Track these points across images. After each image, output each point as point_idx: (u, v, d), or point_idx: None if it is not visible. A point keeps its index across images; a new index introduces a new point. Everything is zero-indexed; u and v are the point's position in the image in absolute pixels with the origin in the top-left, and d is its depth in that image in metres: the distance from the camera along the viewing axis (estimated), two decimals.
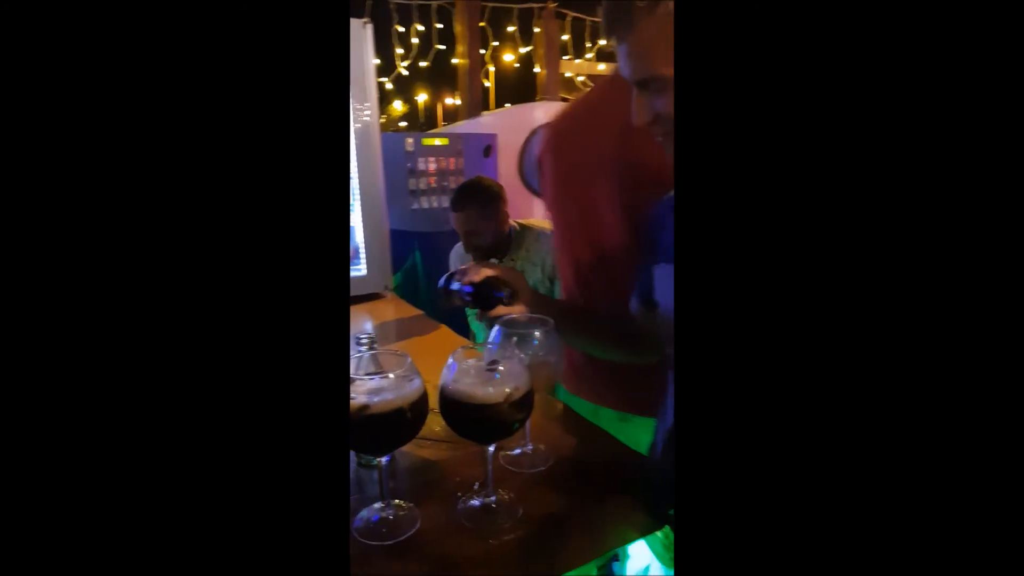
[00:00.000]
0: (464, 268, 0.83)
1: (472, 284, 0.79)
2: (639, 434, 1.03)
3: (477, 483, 0.74)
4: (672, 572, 0.78)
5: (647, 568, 0.85)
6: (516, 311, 0.80)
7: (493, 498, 0.70)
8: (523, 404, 0.64)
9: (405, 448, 0.84)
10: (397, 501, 0.71)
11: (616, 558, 1.07)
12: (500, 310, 0.81)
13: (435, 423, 0.89)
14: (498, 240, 1.75)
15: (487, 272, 0.78)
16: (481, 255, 1.75)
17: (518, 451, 0.82)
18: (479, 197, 1.76)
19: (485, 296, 0.79)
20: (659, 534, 0.79)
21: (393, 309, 1.88)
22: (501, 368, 0.65)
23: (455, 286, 0.83)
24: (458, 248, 1.90)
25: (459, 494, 0.73)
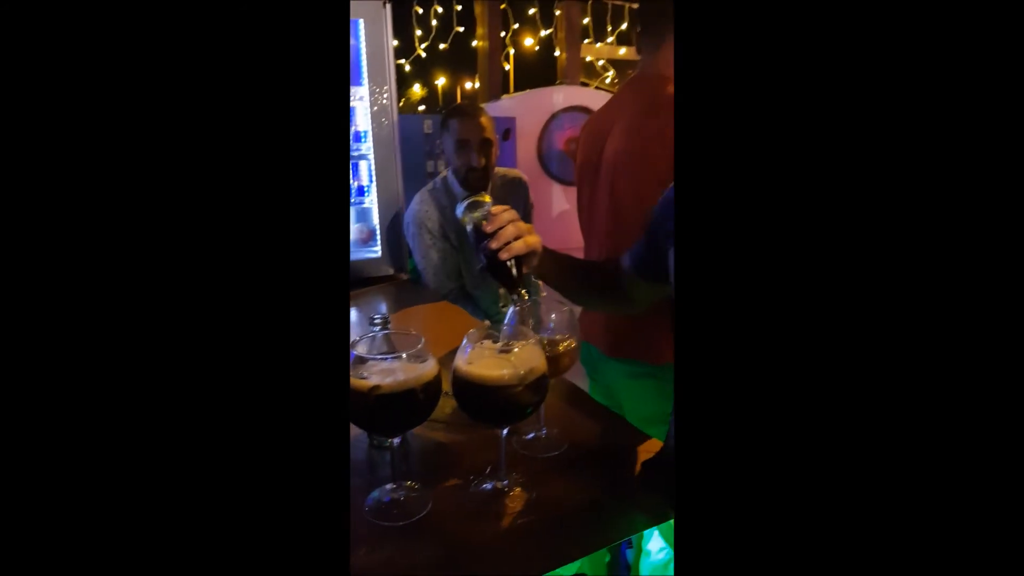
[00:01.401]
0: (495, 219, 0.73)
1: (492, 251, 0.73)
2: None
3: (489, 467, 0.73)
4: None
5: (662, 551, 0.85)
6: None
7: (506, 482, 0.69)
8: (538, 387, 0.63)
9: (417, 430, 0.84)
10: (408, 483, 0.70)
11: (629, 544, 1.06)
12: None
13: (446, 406, 0.88)
14: (476, 171, 1.60)
15: (518, 249, 0.73)
16: (460, 179, 1.62)
17: (532, 435, 0.81)
18: (468, 111, 1.63)
19: (499, 269, 0.74)
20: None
21: (408, 292, 1.88)
22: (516, 350, 0.63)
23: (471, 233, 0.76)
24: (411, 208, 1.73)
25: (471, 477, 0.72)
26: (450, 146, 1.59)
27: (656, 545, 0.82)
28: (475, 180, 1.60)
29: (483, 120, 1.58)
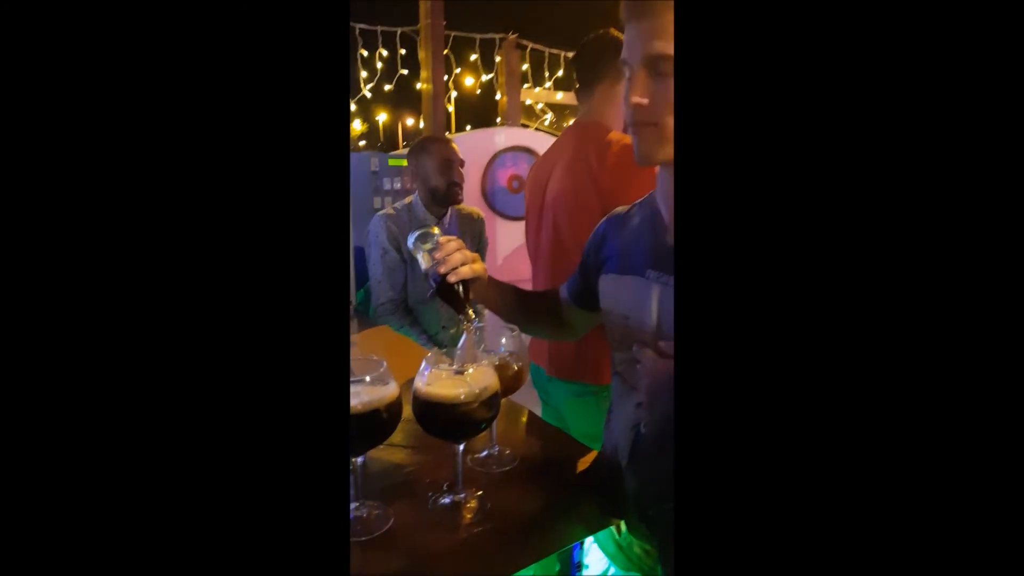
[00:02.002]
0: (444, 247, 0.80)
1: (442, 277, 0.79)
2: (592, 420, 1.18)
3: (446, 483, 0.78)
4: (624, 571, 0.84)
5: (606, 572, 0.91)
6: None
7: (463, 495, 0.75)
8: (491, 404, 0.69)
9: (375, 453, 0.88)
10: (369, 502, 0.74)
11: (579, 568, 1.12)
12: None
13: (401, 430, 0.92)
14: (456, 185, 1.81)
15: (465, 273, 0.79)
16: (440, 196, 1.80)
17: (485, 453, 0.87)
18: (441, 138, 1.89)
19: (447, 293, 0.80)
20: (615, 535, 0.84)
21: (355, 325, 1.90)
22: (470, 371, 0.70)
23: (421, 261, 0.82)
24: (374, 221, 1.88)
25: (430, 494, 0.77)
26: (430, 168, 1.79)
27: (595, 556, 0.89)
28: (455, 194, 1.82)
29: (454, 145, 1.84)
